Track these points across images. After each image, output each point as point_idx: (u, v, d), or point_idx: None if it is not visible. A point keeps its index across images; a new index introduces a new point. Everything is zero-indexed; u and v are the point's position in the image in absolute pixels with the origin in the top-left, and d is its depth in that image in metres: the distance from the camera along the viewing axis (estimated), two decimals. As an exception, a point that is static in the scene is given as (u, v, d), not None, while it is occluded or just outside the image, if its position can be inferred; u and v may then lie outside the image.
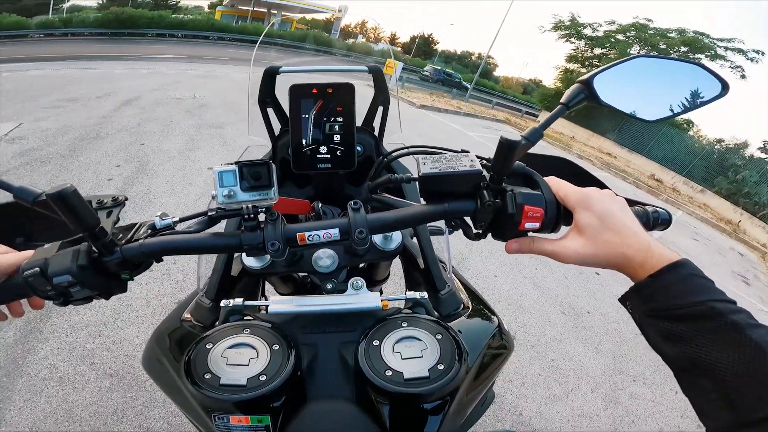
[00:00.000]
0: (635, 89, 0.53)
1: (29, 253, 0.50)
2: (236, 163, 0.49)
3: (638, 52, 18.75)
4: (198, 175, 3.79)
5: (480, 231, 0.53)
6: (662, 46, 17.98)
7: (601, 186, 0.54)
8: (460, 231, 0.56)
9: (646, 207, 0.53)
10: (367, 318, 0.63)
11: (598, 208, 0.45)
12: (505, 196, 0.48)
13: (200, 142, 4.72)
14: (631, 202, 0.52)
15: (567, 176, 0.55)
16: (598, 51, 20.10)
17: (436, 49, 53.60)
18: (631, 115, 0.53)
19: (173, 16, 27.10)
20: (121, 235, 0.51)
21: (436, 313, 0.69)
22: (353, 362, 0.56)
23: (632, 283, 0.44)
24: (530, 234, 0.50)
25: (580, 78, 0.50)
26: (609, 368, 2.44)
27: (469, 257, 3.38)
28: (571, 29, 20.25)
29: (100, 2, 33.98)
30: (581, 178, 0.58)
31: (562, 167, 0.66)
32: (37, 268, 0.45)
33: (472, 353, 0.61)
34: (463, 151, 0.53)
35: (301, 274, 1.04)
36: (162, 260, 0.51)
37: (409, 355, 0.53)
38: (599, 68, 0.51)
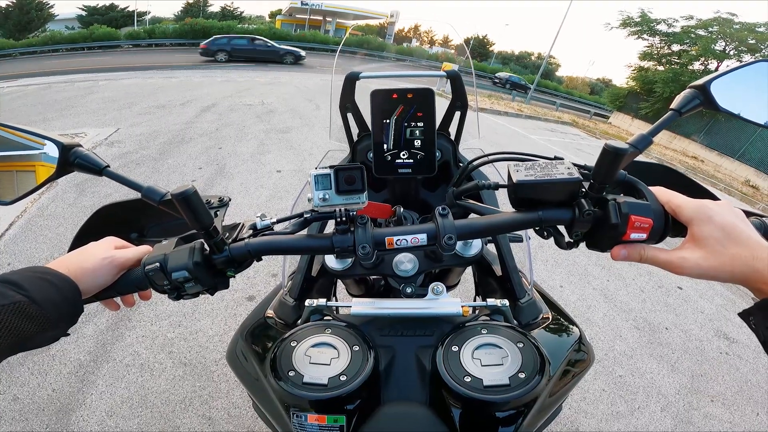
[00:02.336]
0: (757, 95, 0.50)
1: (145, 248, 0.54)
2: (331, 167, 0.50)
3: (724, 48, 17.05)
4: (268, 177, 4.02)
5: (573, 240, 0.51)
6: (751, 41, 16.37)
7: (712, 197, 0.52)
8: (534, 238, 0.54)
9: (764, 218, 0.50)
10: (445, 323, 0.63)
11: (719, 220, 0.43)
12: (607, 206, 0.46)
13: (269, 146, 5.00)
14: (747, 213, 0.49)
15: (671, 186, 0.53)
16: (676, 47, 18.54)
17: (492, 51, 52.12)
18: (753, 122, 0.50)
19: (239, 26, 28.90)
20: (227, 234, 0.54)
21: (515, 321, 0.68)
22: (430, 366, 0.56)
23: (755, 299, 0.41)
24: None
25: (694, 83, 0.48)
26: (685, 387, 2.25)
27: (533, 265, 3.25)
28: (643, 25, 18.91)
29: (176, 14, 37.32)
30: (688, 188, 0.55)
31: (665, 176, 0.63)
32: (157, 264, 0.48)
33: (553, 364, 0.59)
34: (556, 158, 0.51)
35: (373, 277, 1.05)
36: (262, 259, 0.53)
37: (489, 362, 0.52)
38: (715, 73, 0.48)
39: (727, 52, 17.24)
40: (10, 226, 2.81)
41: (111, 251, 0.51)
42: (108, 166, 0.50)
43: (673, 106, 0.48)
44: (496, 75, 30.34)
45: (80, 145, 0.50)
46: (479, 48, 49.63)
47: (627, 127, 19.03)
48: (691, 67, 17.67)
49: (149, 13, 38.64)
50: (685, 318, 2.94)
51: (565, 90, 36.48)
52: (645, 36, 19.22)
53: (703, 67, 17.62)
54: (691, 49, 17.75)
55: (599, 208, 0.47)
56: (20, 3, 26.53)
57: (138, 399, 1.68)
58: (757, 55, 16.60)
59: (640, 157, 0.49)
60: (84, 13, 31.67)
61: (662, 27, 18.68)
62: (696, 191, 0.56)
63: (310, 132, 5.87)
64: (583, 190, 0.48)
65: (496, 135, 8.69)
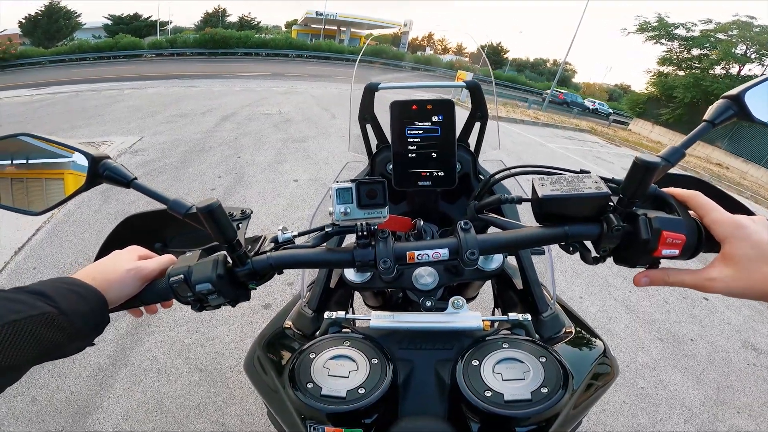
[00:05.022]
0: None
1: (169, 258, 0.54)
2: (353, 180, 0.49)
3: (745, 52, 16.65)
4: (285, 187, 4.06)
5: (600, 255, 0.49)
6: (772, 45, 15.98)
7: (746, 211, 0.49)
8: (554, 248, 0.52)
9: None
10: (465, 337, 0.62)
11: (755, 238, 0.41)
12: (637, 221, 0.44)
13: (287, 156, 5.06)
14: None
15: None
16: (696, 52, 18.21)
17: (507, 58, 51.92)
18: None
19: (257, 36, 29.56)
20: (249, 247, 0.54)
21: (537, 335, 0.67)
22: (449, 381, 0.55)
23: None
24: (662, 266, 0.47)
25: (727, 93, 0.47)
26: (710, 399, 2.18)
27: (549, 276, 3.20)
28: (660, 30, 18.65)
29: (196, 24, 38.43)
30: (720, 201, 0.52)
31: (697, 189, 0.61)
32: (181, 276, 0.48)
33: (576, 378, 0.58)
34: (582, 171, 0.50)
35: (391, 289, 1.04)
36: (283, 272, 0.53)
37: (510, 377, 0.51)
38: (750, 82, 0.47)
39: (748, 55, 16.88)
40: (37, 231, 2.91)
41: (136, 262, 0.51)
42: (136, 178, 0.51)
43: (706, 117, 0.47)
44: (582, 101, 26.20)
45: (109, 157, 0.51)
46: (493, 55, 49.47)
47: (647, 134, 18.67)
48: (712, 72, 17.31)
49: (171, 22, 39.97)
50: (712, 329, 2.87)
51: (582, 96, 35.98)
52: (663, 41, 18.99)
53: (724, 72, 17.27)
54: (711, 53, 17.44)
55: (629, 223, 0.45)
56: (49, 11, 27.64)
57: (154, 403, 1.71)
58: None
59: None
60: (110, 22, 32.88)
61: (681, 31, 18.46)
62: (729, 204, 0.54)
63: (326, 141, 5.90)
64: (612, 204, 0.46)
65: (512, 144, 8.62)
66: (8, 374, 0.37)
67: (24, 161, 0.51)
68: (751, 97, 0.46)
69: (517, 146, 8.48)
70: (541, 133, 11.43)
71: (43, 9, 27.64)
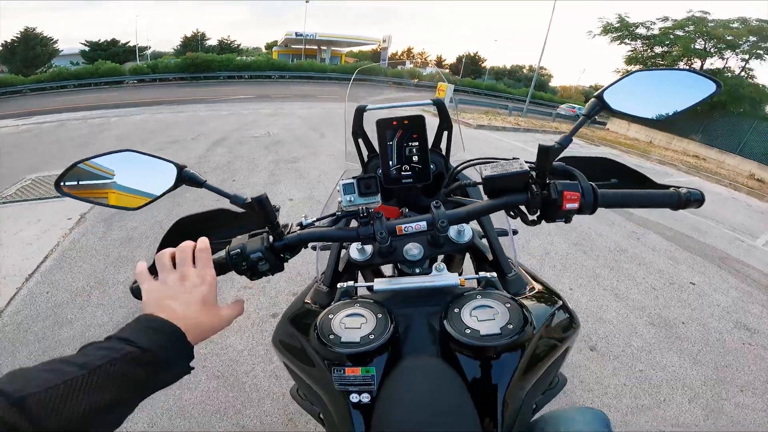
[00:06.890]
0: (640, 97, 0.65)
1: (239, 307, 0.66)
2: (354, 177, 0.68)
3: (704, 47, 17.34)
4: (281, 206, 4.09)
5: (535, 218, 0.66)
6: (729, 38, 16.69)
7: (645, 179, 0.68)
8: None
9: (680, 189, 0.64)
10: (448, 295, 0.76)
11: None
12: (549, 187, 0.62)
13: (280, 176, 5.17)
14: (658, 185, 0.67)
15: (609, 173, 0.71)
16: (659, 49, 18.90)
17: (485, 67, 53.23)
18: (638, 117, 0.66)
19: (238, 58, 29.71)
20: (283, 229, 0.70)
21: (504, 290, 0.81)
22: (438, 327, 0.68)
23: None
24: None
25: (596, 93, 0.64)
26: (710, 378, 2.26)
27: (541, 270, 3.38)
28: (622, 30, 19.31)
29: (176, 48, 38.49)
30: (623, 174, 0.73)
31: (604, 166, 0.78)
32: (238, 249, 0.63)
33: (538, 320, 0.70)
34: (513, 158, 0.67)
35: (388, 270, 1.24)
36: (307, 246, 0.73)
37: (484, 318, 0.64)
38: (608, 84, 0.64)
39: (707, 50, 17.40)
40: (45, 259, 2.97)
41: (214, 308, 0.58)
42: (206, 181, 0.66)
43: (583, 112, 0.65)
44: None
45: (186, 166, 0.66)
46: (471, 65, 50.62)
47: (624, 132, 19.15)
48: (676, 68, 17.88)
49: (150, 48, 39.97)
50: (702, 312, 2.96)
51: (560, 100, 37.00)
52: (627, 41, 19.54)
53: (688, 67, 17.88)
54: (673, 49, 18.01)
55: (545, 190, 0.63)
56: (25, 38, 27.30)
57: (177, 410, 1.79)
58: (737, 50, 17.00)
59: (592, 153, 0.68)
60: (87, 48, 32.61)
61: (641, 30, 18.98)
62: (628, 175, 0.74)
63: (316, 160, 6.00)
64: (533, 178, 0.64)
65: (495, 151, 8.83)
66: (115, 411, 0.45)
67: (129, 170, 0.67)
68: (608, 94, 0.63)
69: (500, 153, 8.70)
70: (523, 139, 11.70)
71: (19, 36, 27.38)
